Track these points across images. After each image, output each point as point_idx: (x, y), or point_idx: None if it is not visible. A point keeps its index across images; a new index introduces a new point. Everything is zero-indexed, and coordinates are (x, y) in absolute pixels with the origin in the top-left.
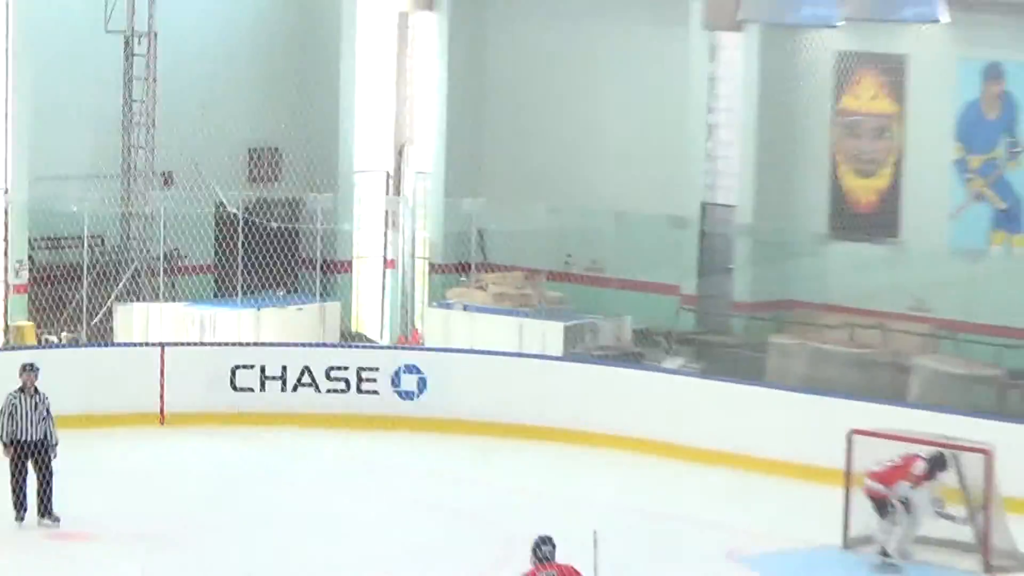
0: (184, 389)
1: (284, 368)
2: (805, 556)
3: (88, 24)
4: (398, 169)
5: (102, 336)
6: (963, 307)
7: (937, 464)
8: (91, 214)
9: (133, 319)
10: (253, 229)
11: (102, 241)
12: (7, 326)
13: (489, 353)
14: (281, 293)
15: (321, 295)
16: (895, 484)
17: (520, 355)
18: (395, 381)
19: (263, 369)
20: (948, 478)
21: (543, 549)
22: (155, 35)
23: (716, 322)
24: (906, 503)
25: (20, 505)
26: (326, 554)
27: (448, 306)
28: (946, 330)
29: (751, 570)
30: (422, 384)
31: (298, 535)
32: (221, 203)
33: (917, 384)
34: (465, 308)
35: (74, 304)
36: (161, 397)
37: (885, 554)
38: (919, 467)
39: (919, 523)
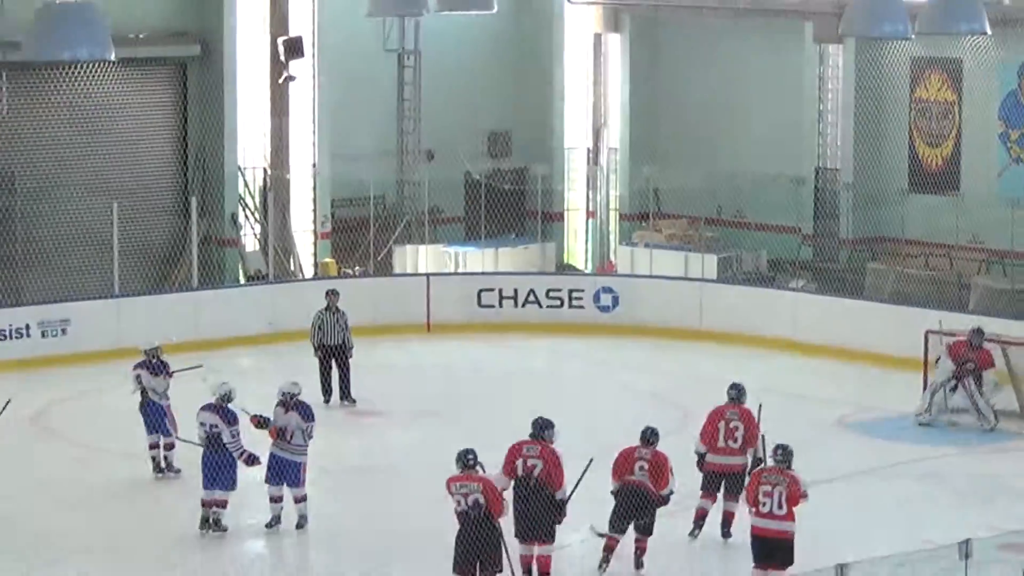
0: (443, 307)
1: (516, 291)
2: (895, 422)
3: (372, 44)
4: (596, 145)
5: (384, 269)
6: (1008, 240)
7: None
8: (375, 181)
9: (407, 257)
10: (492, 191)
11: (383, 201)
12: (316, 263)
13: (664, 278)
14: (512, 237)
15: (542, 238)
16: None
17: (686, 279)
18: (596, 299)
19: (500, 292)
20: (999, 363)
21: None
22: (420, 52)
23: (827, 253)
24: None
25: (326, 392)
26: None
27: (633, 244)
28: (996, 257)
29: (854, 432)
30: (616, 301)
31: (532, 410)
32: (468, 172)
33: (975, 297)
34: (646, 246)
35: (364, 246)
36: (427, 312)
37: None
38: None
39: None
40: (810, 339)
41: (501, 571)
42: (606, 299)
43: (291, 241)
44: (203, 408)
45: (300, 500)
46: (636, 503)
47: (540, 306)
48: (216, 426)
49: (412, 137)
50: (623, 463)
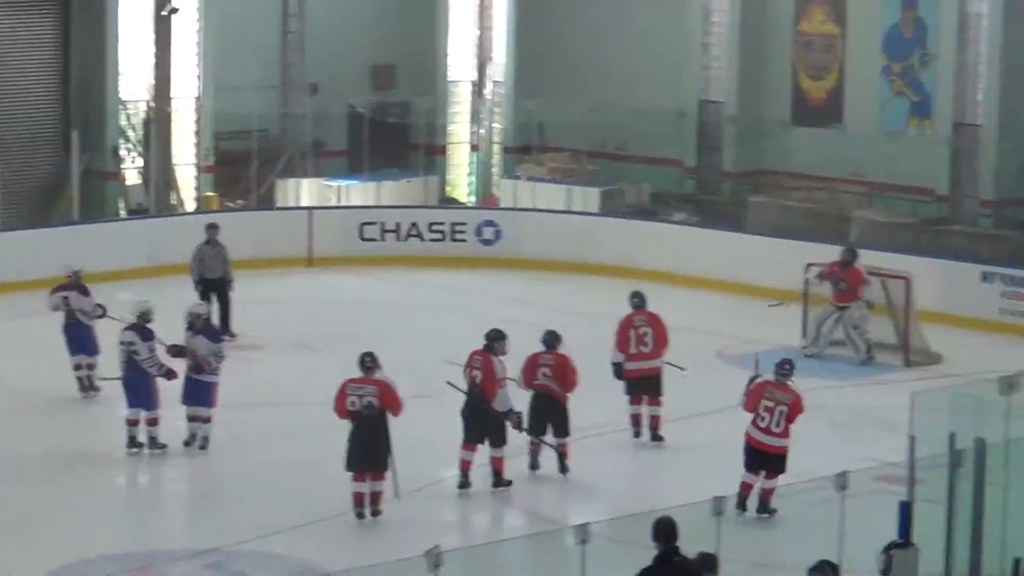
0: (325, 240)
1: (398, 224)
2: (774, 354)
3: None
4: (480, 79)
5: (267, 202)
6: (888, 173)
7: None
8: (259, 114)
9: (289, 190)
10: (375, 124)
11: (267, 134)
12: (199, 196)
13: (546, 211)
14: (396, 170)
15: (424, 171)
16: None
17: (569, 212)
18: (478, 232)
19: (383, 225)
20: (877, 296)
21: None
22: None
23: (710, 186)
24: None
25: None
26: (432, 355)
27: (516, 178)
28: (876, 190)
29: (733, 364)
30: (498, 234)
31: (413, 342)
32: (352, 105)
33: (856, 230)
34: (529, 179)
35: (246, 180)
36: (309, 246)
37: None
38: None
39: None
40: (692, 272)
41: (386, 471)
42: (488, 233)
43: (173, 175)
44: (125, 328)
45: (205, 421)
46: (545, 407)
47: (422, 240)
48: (133, 344)
49: (296, 70)
50: (529, 370)
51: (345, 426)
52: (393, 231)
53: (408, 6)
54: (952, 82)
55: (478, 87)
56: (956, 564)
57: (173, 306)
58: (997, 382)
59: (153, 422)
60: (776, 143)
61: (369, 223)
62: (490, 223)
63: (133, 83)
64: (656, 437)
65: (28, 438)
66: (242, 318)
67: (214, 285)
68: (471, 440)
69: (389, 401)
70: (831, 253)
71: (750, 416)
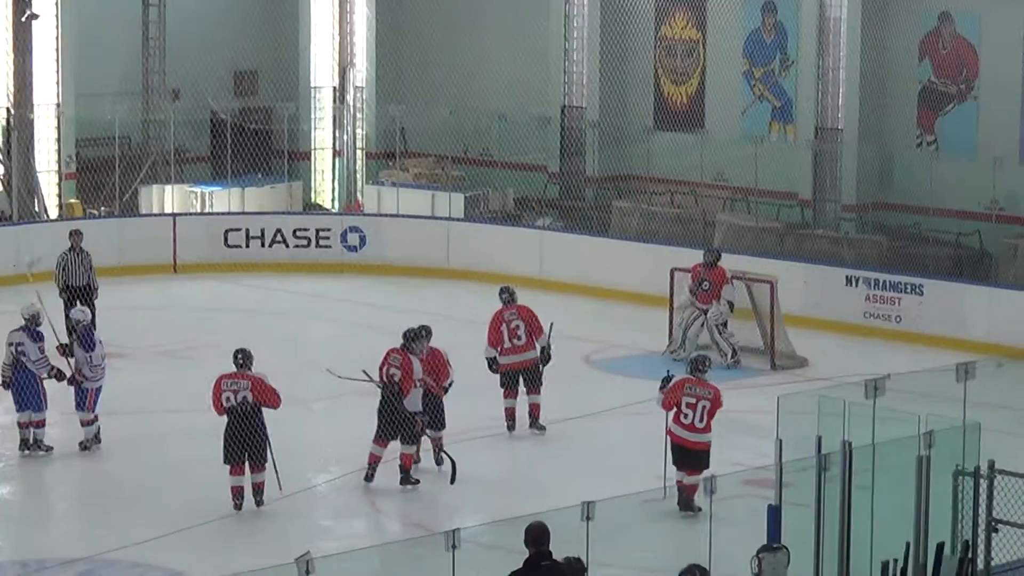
0: (190, 247)
1: (262, 230)
2: (640, 359)
3: None
4: (342, 84)
5: (130, 209)
6: (752, 177)
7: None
8: (120, 120)
9: (153, 197)
10: (238, 130)
11: (129, 140)
12: (61, 203)
13: (410, 216)
14: (259, 176)
15: (289, 177)
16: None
17: (433, 218)
18: (343, 238)
19: (247, 231)
20: (743, 300)
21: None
22: None
23: (574, 191)
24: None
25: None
26: (298, 360)
27: (380, 184)
28: (740, 195)
29: (600, 369)
30: (363, 240)
31: (277, 350)
32: (214, 111)
33: (720, 234)
34: (393, 184)
35: (109, 187)
36: (174, 253)
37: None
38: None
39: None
40: (557, 276)
41: (266, 465)
42: (353, 238)
43: (35, 181)
44: (12, 330)
45: (87, 424)
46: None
47: (287, 246)
48: (22, 344)
49: (157, 76)
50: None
51: (215, 428)
52: (258, 237)
53: (269, 12)
54: (813, 87)
55: (340, 93)
56: (825, 566)
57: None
58: (863, 385)
59: (40, 424)
60: (639, 148)
61: (234, 229)
62: (355, 229)
63: None
64: (536, 425)
65: None
66: (107, 326)
67: (79, 292)
68: (383, 437)
69: (265, 395)
70: (695, 257)
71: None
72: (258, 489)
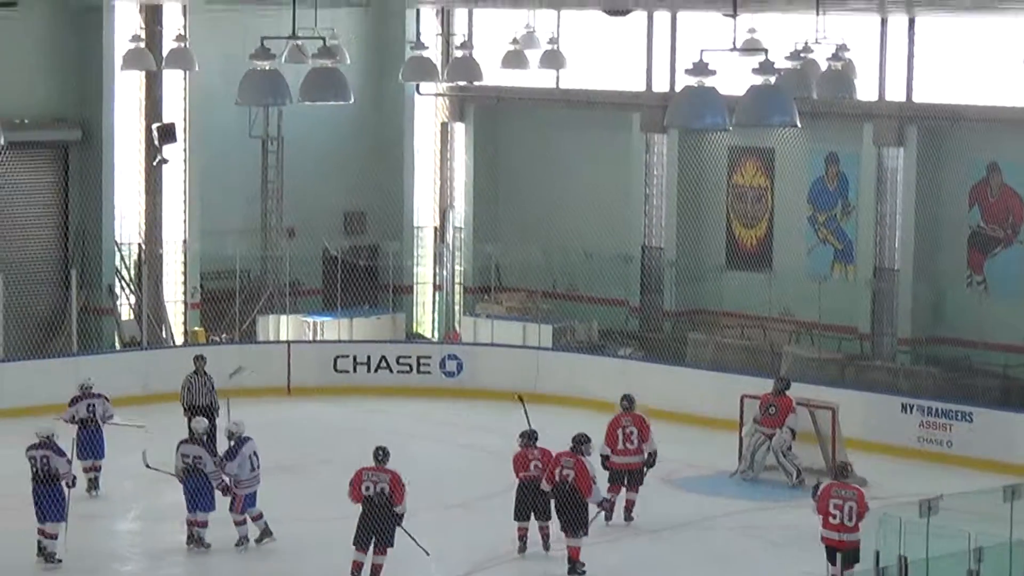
0: (302, 371)
1: (369, 357)
2: (714, 478)
3: (239, 130)
4: (442, 224)
5: (249, 337)
6: (815, 312)
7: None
8: (241, 256)
9: (269, 325)
10: (347, 265)
11: (249, 274)
12: (186, 331)
13: (504, 346)
14: (366, 308)
15: (393, 309)
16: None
17: (524, 347)
18: (442, 365)
19: (355, 358)
20: (805, 425)
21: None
22: (282, 138)
23: (652, 324)
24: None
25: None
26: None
27: (476, 316)
28: (804, 328)
29: (680, 488)
30: (460, 367)
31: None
32: (326, 248)
33: (785, 365)
34: (488, 317)
35: (230, 316)
36: (288, 377)
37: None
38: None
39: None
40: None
41: (391, 548)
42: (451, 365)
43: (163, 311)
44: (183, 442)
45: (239, 524)
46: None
47: (391, 371)
48: (200, 458)
49: (275, 216)
50: (520, 462)
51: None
52: (364, 363)
53: (377, 157)
54: (872, 231)
55: (441, 232)
56: None
57: (164, 430)
58: (917, 504)
59: (204, 524)
60: (712, 285)
61: (342, 356)
62: (453, 356)
63: (127, 227)
64: (628, 518)
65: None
66: (226, 443)
67: (202, 412)
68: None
69: (397, 489)
70: (763, 385)
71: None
72: (376, 570)
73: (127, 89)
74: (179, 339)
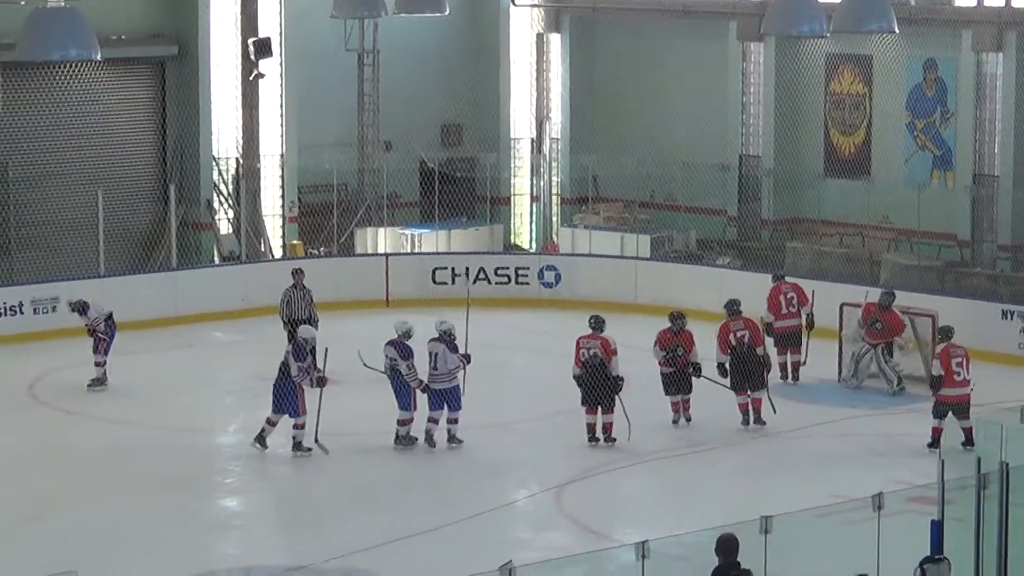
0: (401, 284)
1: (467, 269)
2: (814, 386)
3: (334, 44)
4: (539, 135)
5: (347, 250)
6: (914, 220)
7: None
8: (338, 169)
9: (367, 238)
10: (444, 178)
11: (346, 187)
12: (284, 244)
13: (602, 256)
14: (464, 220)
15: (490, 220)
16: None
17: (622, 257)
18: (540, 276)
19: (453, 270)
20: (907, 334)
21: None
22: (378, 51)
23: (750, 233)
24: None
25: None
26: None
27: (574, 226)
28: (903, 236)
29: (779, 396)
30: (558, 278)
31: (485, 376)
32: (423, 161)
33: (885, 273)
34: (585, 227)
35: (328, 229)
36: (387, 289)
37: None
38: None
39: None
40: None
41: (613, 408)
42: (549, 276)
43: (261, 225)
44: (387, 344)
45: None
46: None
47: (489, 283)
48: (394, 359)
49: (371, 129)
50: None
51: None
52: (462, 275)
53: (473, 70)
54: (971, 137)
55: (537, 143)
56: None
57: (262, 342)
58: (1019, 411)
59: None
60: (810, 194)
61: (441, 268)
62: (551, 267)
63: (224, 141)
64: (795, 376)
65: (134, 464)
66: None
67: (301, 324)
68: (591, 404)
69: (608, 352)
70: (862, 293)
71: None
72: (607, 428)
73: (222, 4)
74: (277, 253)
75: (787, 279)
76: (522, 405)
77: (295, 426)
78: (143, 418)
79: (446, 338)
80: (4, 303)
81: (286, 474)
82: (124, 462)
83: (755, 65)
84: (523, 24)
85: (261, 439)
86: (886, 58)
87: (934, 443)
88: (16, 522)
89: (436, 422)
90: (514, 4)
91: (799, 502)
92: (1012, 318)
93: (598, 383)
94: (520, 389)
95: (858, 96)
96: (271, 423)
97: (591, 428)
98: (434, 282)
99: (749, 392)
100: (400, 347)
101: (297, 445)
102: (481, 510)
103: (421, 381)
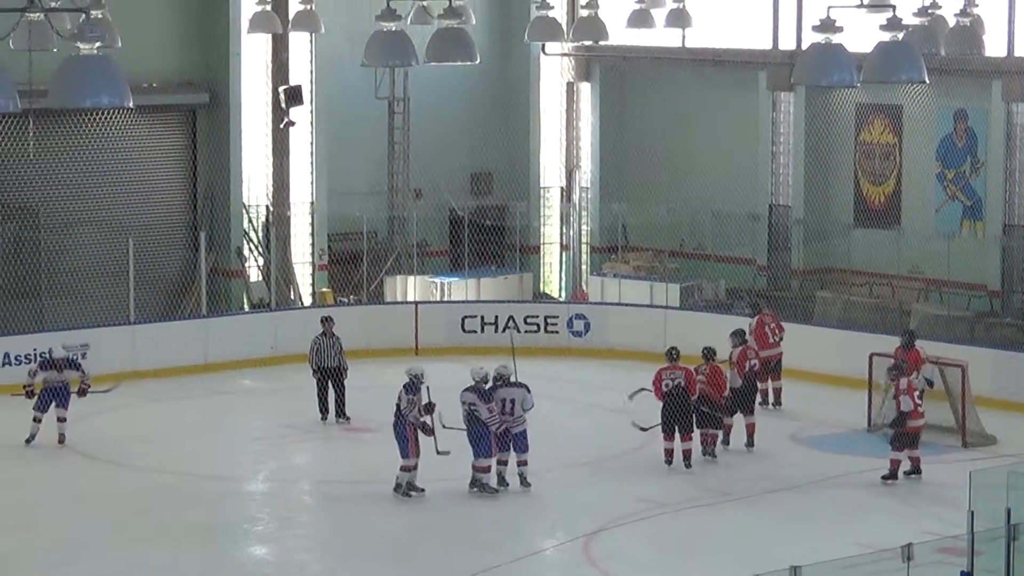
0: (430, 332)
1: (496, 317)
2: (843, 436)
3: (365, 92)
4: (569, 184)
5: (376, 298)
6: (944, 270)
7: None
8: (368, 217)
9: (397, 286)
10: (474, 226)
11: (376, 235)
12: (314, 292)
13: (631, 305)
14: (493, 268)
15: (520, 269)
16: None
17: (651, 306)
18: (570, 325)
19: (482, 318)
20: (936, 384)
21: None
22: (408, 99)
23: (780, 283)
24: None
25: (324, 410)
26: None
27: (603, 275)
28: (933, 286)
29: (808, 446)
30: (587, 327)
31: None
32: (453, 209)
33: (914, 323)
34: (615, 276)
35: (358, 277)
36: (416, 337)
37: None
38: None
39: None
40: None
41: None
42: (579, 325)
43: (291, 272)
44: (465, 390)
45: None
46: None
47: (519, 331)
48: (474, 404)
49: (402, 177)
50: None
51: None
52: (492, 324)
53: (503, 117)
54: (1001, 187)
55: (567, 192)
56: None
57: (291, 389)
58: None
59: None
60: (840, 243)
61: (470, 316)
62: (580, 316)
63: (255, 189)
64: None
65: (164, 511)
66: (356, 403)
67: (330, 373)
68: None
69: (691, 382)
70: (892, 343)
71: None
72: (687, 455)
73: (254, 52)
74: (307, 300)
75: (766, 310)
76: (550, 453)
77: (402, 467)
78: (172, 465)
79: (504, 381)
80: (35, 349)
81: (314, 522)
82: (154, 509)
83: (785, 115)
84: (553, 73)
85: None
86: (916, 108)
87: (891, 475)
88: (50, 567)
89: (506, 464)
90: (544, 53)
91: (826, 552)
92: None
93: (681, 410)
94: (546, 438)
95: (888, 146)
96: (478, 470)
97: (669, 453)
98: (463, 331)
99: (681, 436)
100: (480, 393)
101: (399, 487)
102: (510, 559)
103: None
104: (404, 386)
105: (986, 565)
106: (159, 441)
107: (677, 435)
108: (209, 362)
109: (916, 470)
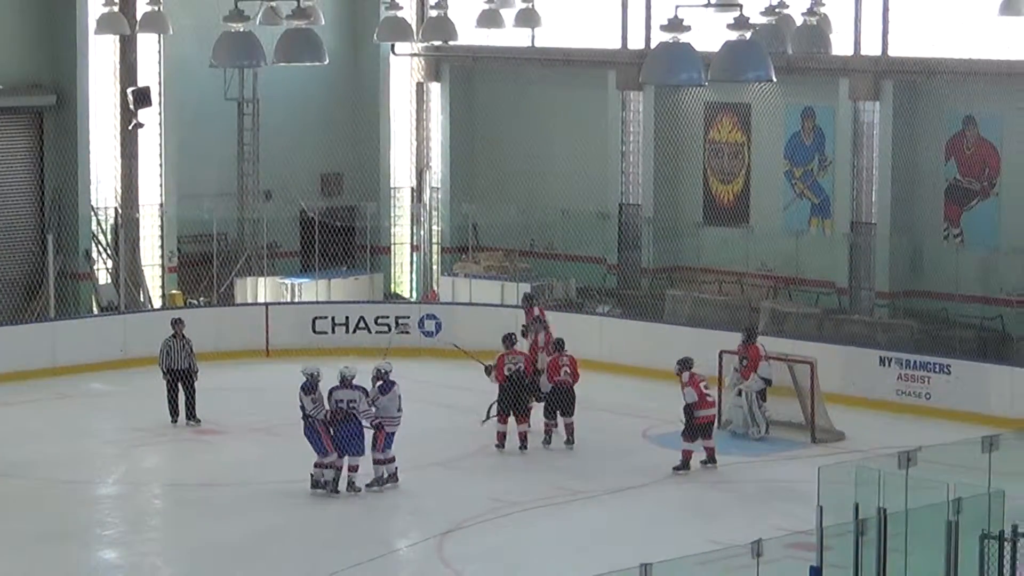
0: (281, 333)
1: (347, 318)
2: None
3: (214, 93)
4: (419, 185)
5: (227, 300)
6: (792, 267)
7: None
8: (218, 219)
9: (247, 288)
10: (325, 227)
11: (226, 237)
12: (164, 294)
13: (482, 305)
14: (344, 269)
15: (371, 269)
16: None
17: (501, 306)
18: (421, 324)
19: (333, 319)
20: (784, 380)
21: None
22: (258, 100)
23: (630, 281)
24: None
25: (174, 412)
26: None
27: (454, 275)
28: (782, 283)
29: (658, 444)
30: (439, 326)
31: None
32: (303, 210)
33: (763, 320)
34: (466, 276)
35: (208, 279)
36: (267, 339)
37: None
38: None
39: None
40: (616, 359)
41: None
42: (430, 325)
43: (141, 275)
44: (335, 388)
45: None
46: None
47: (370, 332)
48: (353, 401)
49: (251, 178)
50: (552, 368)
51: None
52: (343, 324)
53: (353, 118)
54: (848, 185)
55: (417, 192)
56: None
57: (141, 392)
58: (896, 457)
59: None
60: (690, 242)
61: (321, 317)
62: (431, 316)
63: (103, 191)
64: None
65: (11, 518)
66: (206, 405)
67: (180, 375)
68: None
69: (528, 366)
70: (738, 341)
71: None
72: (523, 438)
73: (101, 53)
74: (157, 303)
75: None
76: (403, 453)
77: (316, 464)
78: (20, 471)
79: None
80: None
81: (165, 525)
82: (2, 515)
83: (634, 114)
84: (403, 73)
85: (334, 486)
86: (764, 107)
87: (683, 466)
88: None
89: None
90: (394, 53)
91: (678, 549)
92: (890, 365)
93: (519, 395)
94: (399, 438)
95: (737, 144)
96: (335, 467)
97: (501, 437)
98: (314, 331)
99: (518, 419)
100: (359, 389)
101: (317, 484)
102: (364, 558)
103: (375, 416)
104: (302, 387)
105: (835, 560)
106: (6, 446)
107: (512, 419)
108: (58, 365)
109: (711, 459)
